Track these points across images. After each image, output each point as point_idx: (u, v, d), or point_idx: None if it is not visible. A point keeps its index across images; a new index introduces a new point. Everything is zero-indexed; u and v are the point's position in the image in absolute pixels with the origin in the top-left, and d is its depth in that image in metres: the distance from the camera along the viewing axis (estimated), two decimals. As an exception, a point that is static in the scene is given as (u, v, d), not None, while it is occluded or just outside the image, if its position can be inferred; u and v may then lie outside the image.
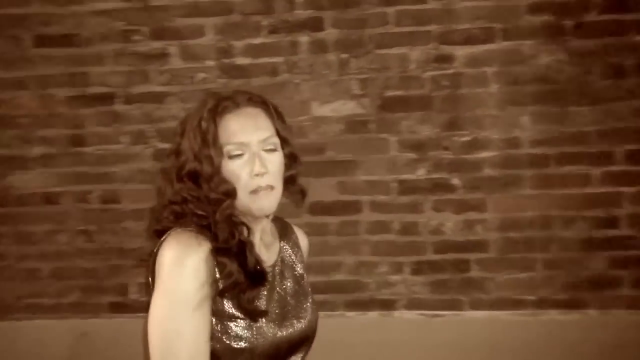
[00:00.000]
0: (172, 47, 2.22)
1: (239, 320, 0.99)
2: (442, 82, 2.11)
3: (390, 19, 2.12)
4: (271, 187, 1.03)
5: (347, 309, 2.20)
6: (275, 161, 1.04)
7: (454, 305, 2.16)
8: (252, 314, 0.99)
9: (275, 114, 1.08)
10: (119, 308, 2.32)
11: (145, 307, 2.25)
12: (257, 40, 2.18)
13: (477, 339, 2.08)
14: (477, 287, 2.15)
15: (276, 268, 1.11)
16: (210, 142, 1.00)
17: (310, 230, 2.15)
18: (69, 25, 2.25)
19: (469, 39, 2.09)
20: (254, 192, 1.01)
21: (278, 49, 2.17)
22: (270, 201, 1.04)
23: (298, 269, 1.17)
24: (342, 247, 2.19)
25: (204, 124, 1.02)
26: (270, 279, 1.07)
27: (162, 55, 2.22)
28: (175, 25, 2.21)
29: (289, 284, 1.12)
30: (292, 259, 1.17)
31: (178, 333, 0.91)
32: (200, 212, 1.01)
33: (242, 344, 0.98)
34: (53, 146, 2.29)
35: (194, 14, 2.20)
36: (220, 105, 1.04)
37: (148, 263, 1.03)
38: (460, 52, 2.09)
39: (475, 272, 2.15)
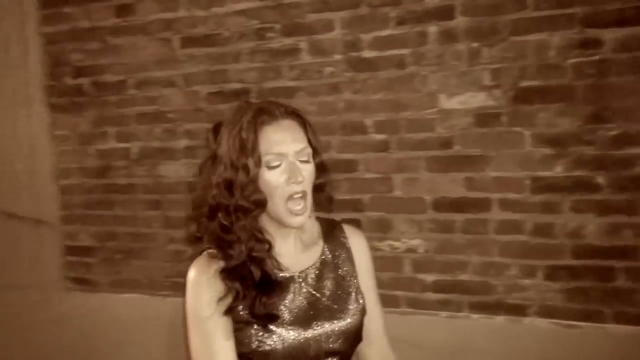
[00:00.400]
0: (302, 43, 2.28)
1: (255, 325, 1.06)
2: (586, 70, 1.90)
3: (528, 2, 1.96)
4: (305, 195, 1.08)
5: (472, 310, 2.10)
6: (308, 170, 1.09)
7: (594, 317, 1.95)
8: (264, 320, 1.06)
9: (308, 126, 1.12)
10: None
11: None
12: (384, 33, 2.15)
13: (619, 355, 1.86)
14: (623, 299, 1.92)
15: (313, 270, 1.15)
16: (249, 151, 1.05)
17: (434, 227, 2.13)
18: (211, 26, 2.42)
19: (620, 21, 1.86)
20: (290, 198, 1.06)
21: (405, 41, 2.12)
22: (299, 218, 1.08)
23: (341, 270, 1.18)
24: (468, 246, 2.09)
25: (244, 134, 1.06)
26: (293, 286, 1.12)
27: (293, 51, 2.29)
28: (306, 21, 2.26)
29: (328, 284, 1.15)
30: (335, 261, 1.18)
31: (193, 342, 1.06)
32: (225, 223, 1.07)
33: (266, 348, 1.06)
34: (196, 139, 2.49)
35: (323, 9, 2.23)
36: (259, 116, 1.08)
37: None
38: (609, 35, 1.87)
39: (621, 282, 1.92)
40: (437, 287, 2.15)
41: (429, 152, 2.11)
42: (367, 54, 2.18)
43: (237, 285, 1.05)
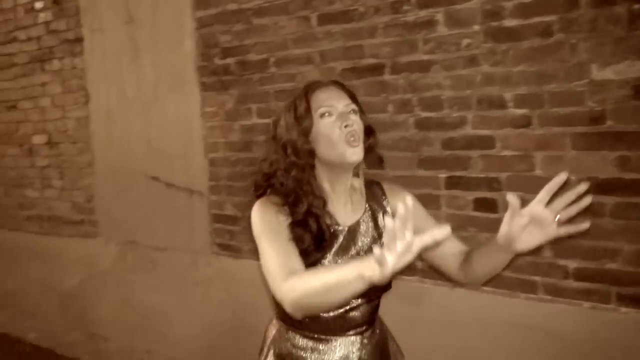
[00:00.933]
0: (439, 14, 2.20)
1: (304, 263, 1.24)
2: None
3: None
4: (358, 139, 1.27)
5: (620, 303, 1.90)
6: (357, 121, 1.30)
7: None
8: (313, 264, 1.26)
9: (352, 94, 1.36)
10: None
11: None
12: (528, -1, 1.99)
13: None
14: None
15: (358, 226, 1.35)
16: (302, 112, 1.29)
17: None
18: (347, 2, 2.43)
19: None
20: (346, 141, 1.26)
21: (553, 6, 1.95)
22: (357, 150, 1.27)
23: (378, 227, 1.36)
24: (619, 233, 1.89)
25: (297, 102, 1.31)
26: (342, 237, 1.32)
27: (429, 23, 2.22)
28: (443, -9, 2.18)
29: (365, 240, 1.35)
30: (375, 218, 1.38)
31: (267, 248, 1.26)
32: (283, 182, 1.30)
33: None
34: (330, 115, 2.54)
35: (463, -23, 2.13)
36: (308, 86, 1.34)
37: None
38: None
39: None
40: (580, 274, 1.98)
41: (575, 128, 1.93)
42: (509, 22, 2.04)
43: (304, 235, 1.26)
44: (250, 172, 2.81)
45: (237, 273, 2.96)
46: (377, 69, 2.38)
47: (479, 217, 2.20)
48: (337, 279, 1.06)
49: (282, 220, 1.28)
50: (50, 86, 3.69)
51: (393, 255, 0.95)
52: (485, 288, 2.12)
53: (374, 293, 1.30)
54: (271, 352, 1.42)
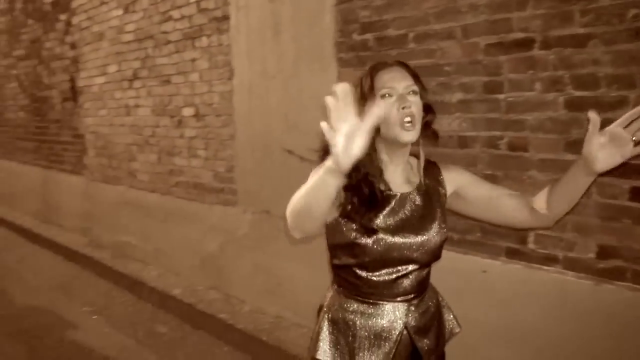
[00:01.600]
0: (601, -17, 1.99)
1: (355, 225, 1.38)
2: None
3: None
4: (413, 120, 1.36)
5: None
6: (416, 102, 1.38)
7: None
8: (365, 228, 1.37)
9: (415, 73, 1.42)
10: (515, 255, 2.35)
11: (543, 259, 2.21)
12: None
13: None
14: None
15: (410, 195, 1.45)
16: (366, 92, 1.38)
17: None
18: (496, -27, 2.29)
19: None
20: (401, 123, 1.35)
21: None
22: (411, 133, 1.36)
23: (432, 200, 1.47)
24: None
25: (363, 81, 1.41)
26: (395, 202, 1.42)
27: (589, -7, 2.03)
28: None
29: (419, 208, 1.45)
30: (429, 192, 1.48)
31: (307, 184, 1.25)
32: None
33: (361, 241, 1.38)
34: (470, 93, 2.43)
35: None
36: (374, 67, 1.42)
37: None
38: None
39: None
40: None
41: None
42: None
43: (354, 197, 1.37)
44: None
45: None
46: (525, 44, 2.22)
47: (635, 207, 1.99)
48: (314, 180, 1.18)
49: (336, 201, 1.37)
50: (199, 62, 3.95)
51: (341, 135, 1.03)
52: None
53: (422, 261, 1.44)
54: (326, 317, 1.52)
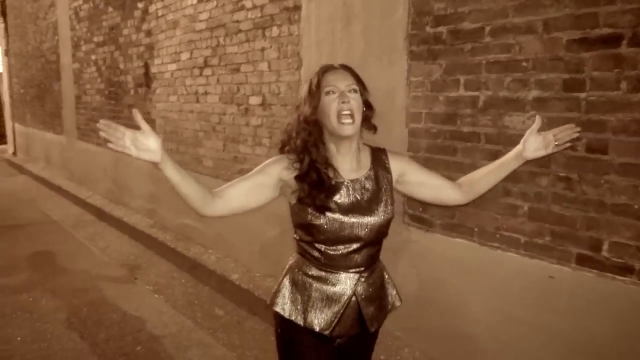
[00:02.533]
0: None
1: (310, 209, 1.59)
2: None
3: None
4: (352, 115, 1.56)
5: None
6: (356, 98, 1.59)
7: None
8: (319, 209, 1.58)
9: (357, 76, 1.64)
10: (586, 262, 2.24)
11: (618, 268, 2.09)
12: None
13: None
14: None
15: (359, 180, 1.65)
16: (313, 90, 1.59)
17: None
18: (583, -36, 2.17)
19: None
20: (339, 115, 1.55)
21: None
22: (349, 127, 1.56)
23: (379, 184, 1.67)
24: None
25: (312, 80, 1.62)
26: (344, 188, 1.62)
27: (688, -13, 1.88)
28: None
29: (367, 192, 1.64)
30: (376, 177, 1.68)
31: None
32: (297, 142, 1.62)
33: (315, 222, 1.59)
34: (548, 90, 2.32)
35: None
36: (322, 69, 1.63)
37: None
38: None
39: None
40: None
41: None
42: None
43: (304, 185, 1.59)
44: (451, 146, 2.74)
45: (426, 246, 2.93)
46: (612, 41, 2.09)
47: None
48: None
49: (274, 171, 1.64)
50: (269, 52, 3.99)
51: (128, 145, 1.42)
52: None
53: (370, 238, 1.65)
54: (288, 276, 1.75)
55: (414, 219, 3.01)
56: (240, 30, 4.29)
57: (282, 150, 1.70)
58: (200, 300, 4.28)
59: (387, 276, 1.83)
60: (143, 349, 3.47)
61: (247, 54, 4.23)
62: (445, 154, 2.79)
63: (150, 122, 5.99)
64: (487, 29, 2.53)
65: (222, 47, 4.54)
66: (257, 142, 4.22)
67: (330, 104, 1.57)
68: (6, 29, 12.48)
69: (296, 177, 1.61)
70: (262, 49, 4.06)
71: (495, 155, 2.54)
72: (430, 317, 2.90)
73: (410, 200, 2.99)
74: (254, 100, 4.21)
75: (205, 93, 4.84)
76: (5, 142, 15.57)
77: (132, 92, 6.40)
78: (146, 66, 5.96)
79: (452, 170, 2.71)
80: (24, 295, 4.42)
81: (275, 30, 3.91)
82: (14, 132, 12.67)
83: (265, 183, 1.64)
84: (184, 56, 5.14)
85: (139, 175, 6.33)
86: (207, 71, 4.78)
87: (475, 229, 2.67)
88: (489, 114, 2.57)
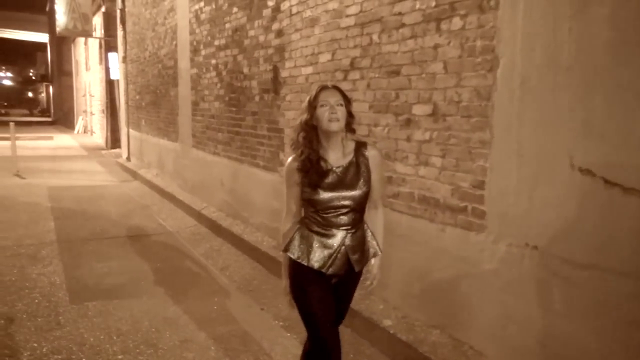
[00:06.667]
0: None
1: (308, 188, 2.26)
2: None
3: None
4: (338, 120, 2.19)
5: None
6: (341, 110, 2.21)
7: None
8: (314, 187, 2.23)
9: (343, 93, 2.26)
10: None
11: None
12: None
13: None
14: None
15: (344, 166, 2.26)
16: (312, 102, 2.23)
17: None
18: None
19: None
20: (328, 120, 2.18)
21: None
22: (335, 124, 2.18)
23: (360, 169, 2.27)
24: None
25: (311, 95, 2.26)
26: (332, 172, 2.25)
27: None
28: None
29: (350, 175, 2.26)
30: (358, 163, 2.28)
31: (286, 194, 2.34)
32: (304, 137, 2.26)
33: (313, 197, 2.25)
34: None
35: None
36: (321, 86, 2.27)
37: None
38: None
39: None
40: None
41: None
42: None
43: (303, 173, 2.25)
44: None
45: None
46: None
47: None
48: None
49: (296, 175, 2.26)
50: (445, 49, 3.20)
51: None
52: None
53: (353, 206, 2.27)
54: (298, 232, 2.34)
55: None
56: (403, 25, 3.53)
57: (293, 149, 2.31)
58: (342, 343, 3.55)
59: (368, 233, 2.42)
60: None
61: (412, 53, 3.46)
62: None
63: (277, 131, 5.40)
64: None
65: (375, 45, 3.81)
66: (422, 161, 3.43)
67: (324, 113, 2.18)
68: (124, 36, 12.68)
69: (297, 168, 2.26)
70: (435, 46, 3.27)
71: None
72: None
73: None
74: (420, 110, 3.42)
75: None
76: (119, 147, 16.03)
77: (256, 98, 5.87)
78: (275, 70, 5.38)
79: None
80: (145, 323, 3.93)
81: (456, 22, 3.10)
82: (128, 137, 12.83)
83: (299, 188, 2.30)
84: (324, 58, 4.48)
85: (261, 189, 5.78)
86: (354, 74, 4.07)
87: None
88: None
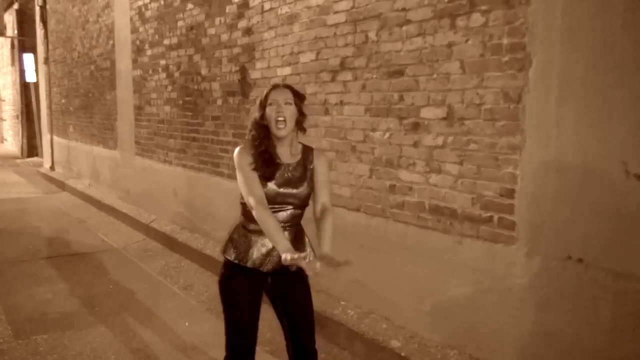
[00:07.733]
0: None
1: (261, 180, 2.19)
2: None
3: None
4: (285, 121, 2.17)
5: None
6: (289, 109, 2.18)
7: None
8: (266, 179, 2.16)
9: (294, 92, 2.24)
10: None
11: None
12: None
13: None
14: None
15: (292, 165, 2.24)
16: (262, 101, 2.22)
17: None
18: None
19: None
20: (276, 120, 2.16)
21: None
22: (282, 130, 2.17)
23: (306, 169, 2.26)
24: None
25: (262, 95, 2.24)
26: (282, 168, 2.21)
27: None
28: None
29: (297, 174, 2.24)
30: (304, 164, 2.27)
31: (245, 181, 2.15)
32: (253, 136, 2.22)
33: (265, 191, 2.16)
34: None
35: None
36: (272, 85, 2.26)
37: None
38: None
39: None
40: None
41: None
42: None
43: (258, 162, 2.17)
44: None
45: None
46: None
47: None
48: (269, 232, 2.06)
49: (248, 157, 2.17)
50: (461, 47, 2.97)
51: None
52: None
53: (295, 204, 2.22)
54: (235, 233, 2.30)
55: None
56: (408, 21, 3.28)
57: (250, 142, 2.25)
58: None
59: (307, 238, 2.35)
60: None
61: (420, 52, 3.21)
62: None
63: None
64: None
65: (372, 44, 3.53)
66: (433, 168, 3.18)
67: (272, 113, 2.18)
68: (46, 35, 11.66)
69: (251, 163, 2.18)
70: (449, 45, 3.04)
71: None
72: None
73: None
74: (430, 113, 3.18)
75: (341, 103, 3.82)
76: (37, 155, 14.74)
77: (218, 101, 5.41)
78: (243, 71, 4.97)
79: None
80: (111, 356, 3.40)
81: (476, 18, 2.88)
82: (52, 145, 11.75)
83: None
84: (306, 57, 4.14)
85: (225, 199, 5.32)
86: (345, 75, 3.77)
87: None
88: None
